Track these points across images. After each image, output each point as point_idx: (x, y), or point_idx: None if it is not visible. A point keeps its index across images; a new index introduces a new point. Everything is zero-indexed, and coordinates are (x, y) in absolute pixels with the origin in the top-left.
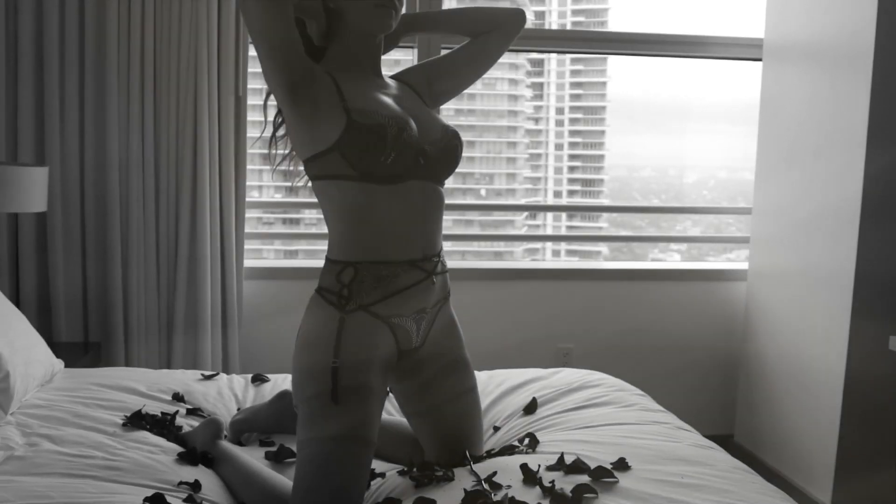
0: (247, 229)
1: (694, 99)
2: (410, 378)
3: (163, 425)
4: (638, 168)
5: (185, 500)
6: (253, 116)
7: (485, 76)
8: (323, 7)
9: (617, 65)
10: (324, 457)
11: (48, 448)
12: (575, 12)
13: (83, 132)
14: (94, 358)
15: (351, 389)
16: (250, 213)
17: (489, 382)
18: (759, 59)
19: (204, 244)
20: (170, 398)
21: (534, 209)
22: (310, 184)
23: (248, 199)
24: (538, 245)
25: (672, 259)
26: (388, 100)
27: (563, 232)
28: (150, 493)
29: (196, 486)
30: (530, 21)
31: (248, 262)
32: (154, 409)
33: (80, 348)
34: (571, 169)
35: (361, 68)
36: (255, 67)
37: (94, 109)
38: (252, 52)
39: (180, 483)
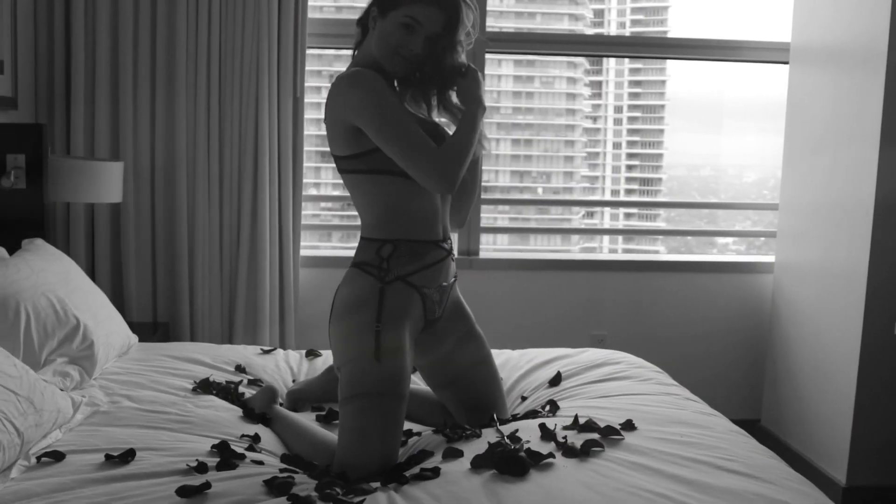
0: (304, 222)
1: (752, 98)
2: (432, 352)
3: (227, 392)
4: (697, 167)
5: (246, 449)
6: (310, 114)
7: (543, 74)
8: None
9: (676, 65)
10: (365, 410)
11: (128, 405)
12: (634, 10)
13: (154, 130)
14: (162, 336)
15: (390, 349)
16: (312, 209)
17: (520, 359)
18: (787, 62)
19: (263, 234)
20: (232, 369)
21: (579, 204)
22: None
23: (304, 193)
24: (595, 244)
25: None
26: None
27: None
28: (217, 442)
29: (256, 438)
30: (588, 20)
31: (304, 252)
32: (219, 378)
33: (150, 328)
34: (629, 168)
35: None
36: (311, 66)
37: (165, 110)
38: (310, 51)
39: (243, 435)
